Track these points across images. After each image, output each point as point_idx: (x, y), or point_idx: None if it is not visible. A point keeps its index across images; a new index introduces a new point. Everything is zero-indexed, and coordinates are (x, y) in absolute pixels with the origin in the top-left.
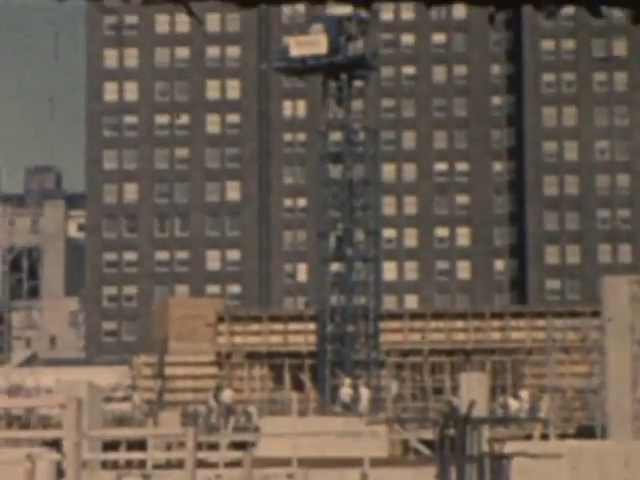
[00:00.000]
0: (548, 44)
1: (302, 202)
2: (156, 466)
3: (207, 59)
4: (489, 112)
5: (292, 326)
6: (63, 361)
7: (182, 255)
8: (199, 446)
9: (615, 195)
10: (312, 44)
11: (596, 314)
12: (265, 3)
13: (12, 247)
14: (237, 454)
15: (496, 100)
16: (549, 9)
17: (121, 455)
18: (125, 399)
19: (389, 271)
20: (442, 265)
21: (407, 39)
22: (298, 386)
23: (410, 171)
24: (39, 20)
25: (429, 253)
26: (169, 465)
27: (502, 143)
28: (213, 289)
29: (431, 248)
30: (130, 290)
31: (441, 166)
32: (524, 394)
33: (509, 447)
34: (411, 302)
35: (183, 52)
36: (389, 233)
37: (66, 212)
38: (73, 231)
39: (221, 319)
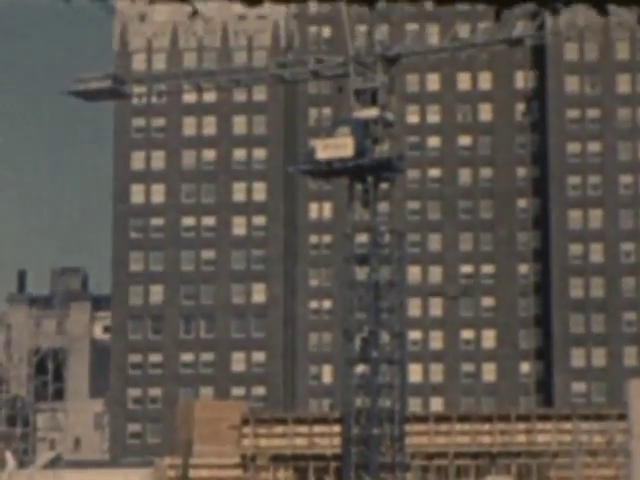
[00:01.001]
0: (574, 147)
1: (327, 304)
2: None
3: (233, 161)
4: (515, 214)
5: (317, 428)
6: (87, 463)
7: (207, 357)
8: None
9: None
10: (338, 147)
11: (622, 417)
12: (272, 1)
13: (38, 349)
14: None
15: (522, 203)
16: (555, 6)
17: None
18: None
19: (414, 373)
20: (467, 367)
21: (433, 142)
22: None
23: (436, 273)
24: (68, 121)
25: (454, 355)
26: None
27: (528, 245)
28: (238, 391)
29: (456, 350)
30: (155, 392)
31: (467, 268)
32: None
33: None
34: (436, 405)
35: (209, 154)
36: (414, 335)
37: (92, 314)
38: (99, 332)
39: (246, 421)
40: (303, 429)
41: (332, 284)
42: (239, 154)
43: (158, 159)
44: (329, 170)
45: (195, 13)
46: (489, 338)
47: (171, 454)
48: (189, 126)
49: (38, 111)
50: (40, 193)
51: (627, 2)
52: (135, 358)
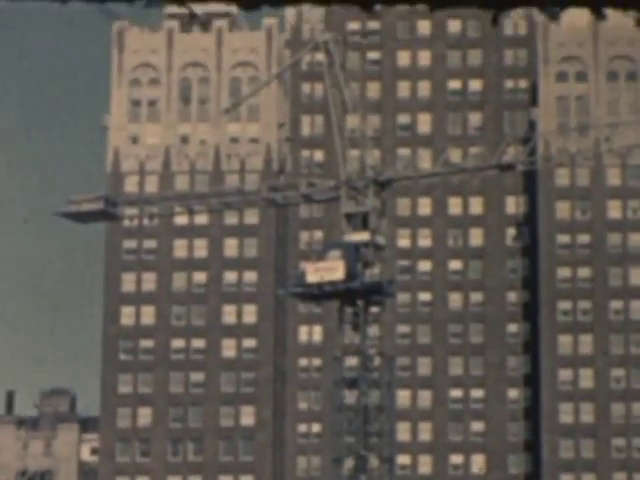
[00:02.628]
0: (564, 272)
1: (316, 427)
2: None
3: (224, 284)
4: (505, 339)
5: None
6: None
7: (195, 479)
8: None
9: (630, 424)
10: (329, 270)
11: None
12: (268, 5)
13: (25, 470)
14: None
15: (512, 327)
16: (552, 10)
17: None
18: None
19: None
20: None
21: (424, 265)
22: None
23: (425, 398)
24: (58, 242)
25: None
26: None
27: (518, 370)
28: None
29: (445, 475)
30: None
31: (456, 393)
32: None
33: None
34: None
35: (200, 276)
36: (403, 459)
37: (80, 435)
38: (86, 454)
39: None
40: None
41: (321, 407)
42: (230, 276)
43: (149, 281)
44: (320, 293)
45: (193, 17)
46: (478, 462)
47: None
48: (180, 248)
49: (29, 231)
50: (29, 315)
51: (623, 6)
52: None
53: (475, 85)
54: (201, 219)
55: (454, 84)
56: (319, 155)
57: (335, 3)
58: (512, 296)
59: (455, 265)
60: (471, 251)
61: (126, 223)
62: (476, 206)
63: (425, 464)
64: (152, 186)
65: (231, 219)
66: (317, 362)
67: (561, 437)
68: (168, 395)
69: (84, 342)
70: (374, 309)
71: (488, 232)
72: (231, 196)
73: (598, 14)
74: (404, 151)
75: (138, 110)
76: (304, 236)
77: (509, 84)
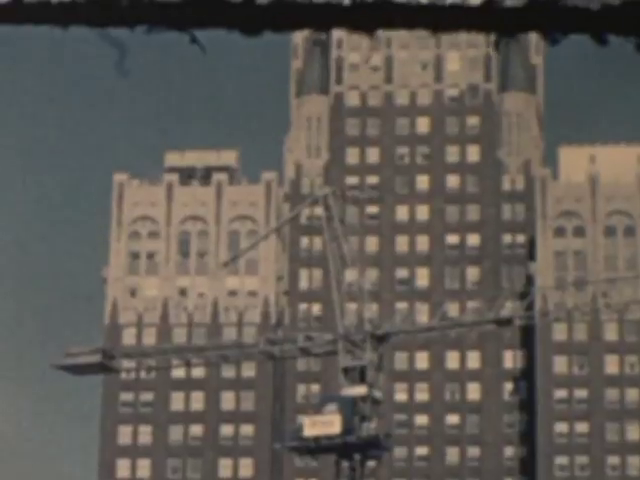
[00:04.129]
0: (561, 427)
1: None
2: None
3: (220, 437)
4: None
5: None
6: None
7: None
8: None
9: None
10: (326, 424)
11: None
12: (270, 30)
13: None
14: None
15: None
16: (554, 36)
17: None
18: None
19: None
20: None
21: (421, 420)
22: None
23: None
24: (54, 394)
25: None
26: None
27: None
28: None
29: None
30: None
31: None
32: None
33: None
34: None
35: (197, 429)
36: None
37: None
38: None
39: None
40: None
41: None
42: (226, 430)
43: (145, 434)
44: (316, 447)
45: (194, 41)
46: None
47: None
48: (177, 401)
49: (24, 381)
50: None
51: (625, 32)
52: None
53: (473, 240)
54: (198, 372)
55: (452, 239)
56: (317, 308)
57: (336, 27)
58: (509, 451)
59: (452, 419)
60: (468, 405)
61: (123, 375)
62: (473, 360)
63: None
64: (150, 338)
65: (228, 372)
66: None
67: None
68: None
69: None
70: (371, 463)
71: (485, 386)
72: (228, 349)
73: (599, 40)
74: (402, 305)
75: (137, 262)
76: (301, 389)
77: (507, 239)
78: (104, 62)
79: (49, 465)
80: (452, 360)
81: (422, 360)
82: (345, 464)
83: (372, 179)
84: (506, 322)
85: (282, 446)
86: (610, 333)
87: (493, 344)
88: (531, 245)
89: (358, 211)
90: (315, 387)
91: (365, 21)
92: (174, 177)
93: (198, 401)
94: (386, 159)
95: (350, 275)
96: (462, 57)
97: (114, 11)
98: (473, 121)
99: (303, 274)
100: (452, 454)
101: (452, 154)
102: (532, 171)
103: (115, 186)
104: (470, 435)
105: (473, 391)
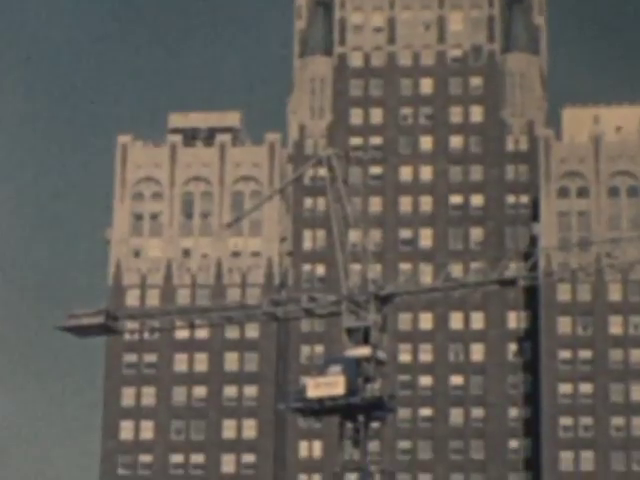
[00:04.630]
0: (565, 388)
1: None
2: None
3: (224, 398)
4: (506, 455)
5: None
6: None
7: None
8: None
9: None
10: (330, 385)
11: None
12: None
13: None
14: None
15: (513, 443)
16: None
17: None
18: None
19: None
20: None
21: (425, 381)
22: None
23: None
24: (57, 355)
25: None
26: None
27: None
28: None
29: None
30: None
31: None
32: None
33: None
34: None
35: (200, 391)
36: None
37: None
38: None
39: None
40: None
41: None
42: (230, 391)
43: (148, 395)
44: (320, 408)
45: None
46: None
47: None
48: (180, 362)
49: (28, 344)
50: (29, 433)
51: None
52: None
53: (477, 200)
54: (202, 333)
55: (456, 199)
56: (320, 269)
57: None
58: (513, 412)
59: (456, 380)
60: (472, 366)
61: (127, 337)
62: (477, 321)
63: None
64: (153, 300)
65: (232, 333)
66: (317, 478)
67: None
68: None
69: (82, 456)
70: (374, 424)
71: (489, 347)
72: (232, 310)
73: None
74: (405, 266)
75: (140, 224)
76: (305, 350)
77: (510, 199)
78: (110, 23)
79: (53, 428)
80: (456, 321)
81: (426, 321)
82: (349, 425)
83: (375, 140)
84: (510, 283)
85: (286, 407)
86: (614, 293)
87: (497, 305)
88: (535, 206)
89: (362, 172)
90: (319, 348)
91: None
92: (177, 138)
93: (202, 362)
94: (389, 120)
95: (354, 236)
96: (465, 18)
97: None
98: (476, 82)
99: (307, 235)
100: (456, 415)
101: (455, 115)
102: (535, 131)
103: (118, 147)
104: (474, 396)
105: (477, 352)
